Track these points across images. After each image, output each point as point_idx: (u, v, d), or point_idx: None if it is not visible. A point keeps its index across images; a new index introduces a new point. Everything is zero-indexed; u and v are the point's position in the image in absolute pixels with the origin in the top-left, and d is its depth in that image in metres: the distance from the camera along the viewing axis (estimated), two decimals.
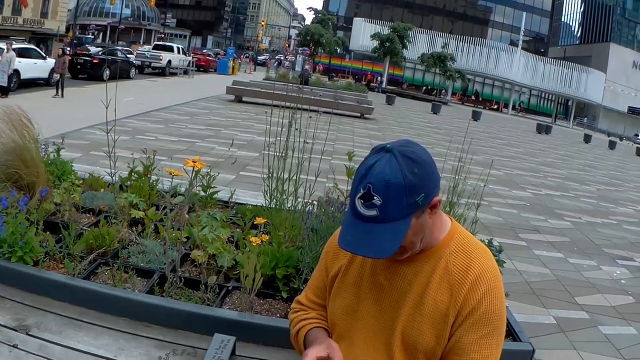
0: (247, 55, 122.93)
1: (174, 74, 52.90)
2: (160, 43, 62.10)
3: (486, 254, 2.35)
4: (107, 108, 5.92)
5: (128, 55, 49.09)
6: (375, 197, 2.07)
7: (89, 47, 46.13)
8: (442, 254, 2.32)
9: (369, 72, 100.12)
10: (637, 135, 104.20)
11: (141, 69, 50.20)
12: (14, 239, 4.48)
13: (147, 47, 65.35)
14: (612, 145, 56.66)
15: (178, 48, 57.96)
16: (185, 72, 54.49)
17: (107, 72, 38.41)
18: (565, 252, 11.52)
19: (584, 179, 24.80)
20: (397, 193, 2.06)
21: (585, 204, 18.44)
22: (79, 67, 38.28)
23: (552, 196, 18.43)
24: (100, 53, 40.99)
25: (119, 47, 55.84)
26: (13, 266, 4.39)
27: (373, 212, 2.09)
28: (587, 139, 56.99)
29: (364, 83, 76.09)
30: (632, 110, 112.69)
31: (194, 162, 4.49)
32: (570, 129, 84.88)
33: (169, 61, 53.53)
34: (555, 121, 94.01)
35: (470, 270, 2.26)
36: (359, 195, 2.12)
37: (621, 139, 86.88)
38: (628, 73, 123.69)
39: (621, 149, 59.15)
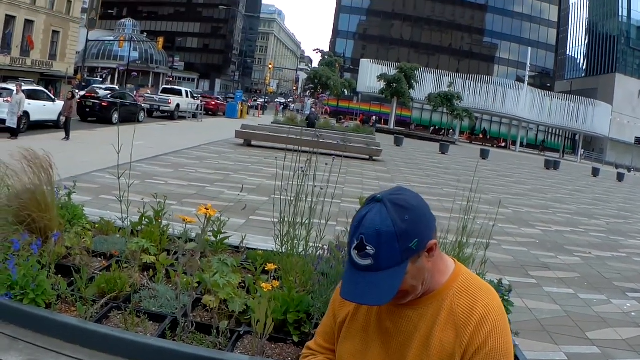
0: (256, 98, 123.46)
1: (182, 118, 53.13)
2: (169, 87, 62.28)
3: (491, 293, 2.38)
4: (118, 153, 5.97)
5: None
6: (368, 247, 2.13)
7: (98, 90, 46.48)
8: (446, 296, 2.34)
9: (362, 113, 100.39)
10: None
11: (150, 113, 50.49)
12: (26, 282, 4.54)
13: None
14: (620, 177, 56.83)
15: (186, 92, 58.15)
16: (194, 116, 54.60)
17: (116, 116, 38.53)
18: (575, 287, 11.50)
19: (593, 214, 24.76)
20: (388, 241, 2.12)
21: (595, 238, 18.39)
22: (87, 110, 38.47)
23: (562, 232, 18.38)
24: (109, 96, 41.43)
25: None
26: (25, 308, 4.44)
27: (368, 262, 2.15)
28: (595, 172, 57.10)
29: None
30: (639, 141, 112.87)
31: (206, 209, 4.54)
32: (578, 163, 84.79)
33: (178, 105, 53.73)
34: (563, 156, 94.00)
35: (475, 310, 2.28)
36: (353, 246, 2.18)
37: (629, 170, 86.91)
38: (634, 103, 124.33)
39: (629, 181, 59.23)
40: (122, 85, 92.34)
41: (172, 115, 52.36)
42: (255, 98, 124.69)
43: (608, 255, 15.72)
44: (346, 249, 2.41)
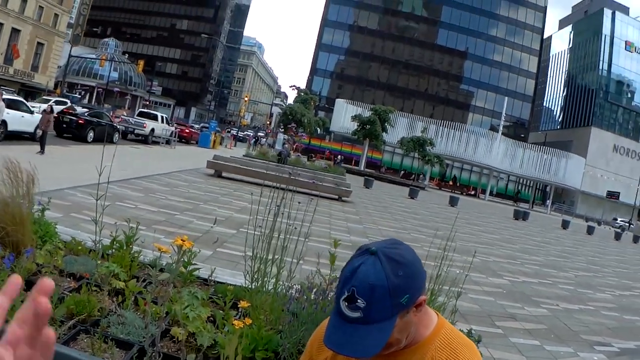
0: (229, 129, 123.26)
1: (156, 143, 53.04)
2: (145, 110, 62.00)
3: (472, 351, 2.36)
4: (100, 174, 5.92)
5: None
6: (359, 300, 2.09)
7: (75, 107, 46.33)
8: (427, 350, 2.33)
9: (329, 151, 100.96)
10: (615, 219, 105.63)
11: (124, 135, 50.53)
12: None
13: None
14: (590, 230, 57.40)
15: (162, 117, 58.12)
16: (168, 142, 54.57)
17: (91, 134, 38.61)
18: (541, 339, 11.47)
19: (561, 266, 24.81)
20: (381, 296, 2.09)
21: (563, 290, 18.40)
22: (64, 126, 38.14)
23: (530, 283, 18.37)
24: (86, 114, 41.29)
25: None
26: None
27: (357, 314, 2.11)
28: (565, 224, 57.61)
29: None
30: (610, 195, 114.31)
31: (182, 240, 4.51)
32: (548, 215, 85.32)
33: (153, 129, 53.57)
34: (532, 207, 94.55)
35: None
36: (343, 297, 2.14)
37: (599, 224, 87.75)
38: (608, 157, 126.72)
39: (599, 234, 59.77)
40: (99, 105, 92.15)
41: (145, 139, 52.20)
42: (229, 129, 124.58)
43: (576, 308, 15.75)
44: (334, 296, 2.37)
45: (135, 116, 58.37)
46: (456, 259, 6.78)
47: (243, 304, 4.96)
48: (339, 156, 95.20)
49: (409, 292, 2.14)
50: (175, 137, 58.25)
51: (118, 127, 47.33)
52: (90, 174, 6.16)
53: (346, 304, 2.12)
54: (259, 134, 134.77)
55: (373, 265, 2.12)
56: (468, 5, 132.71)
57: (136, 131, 52.76)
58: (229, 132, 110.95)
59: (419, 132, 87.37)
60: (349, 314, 2.12)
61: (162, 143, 54.24)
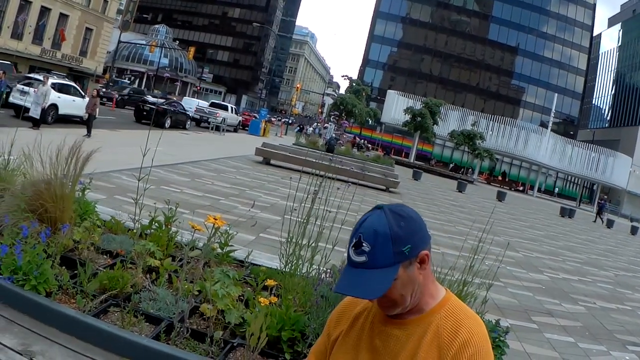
0: (280, 118, 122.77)
1: (205, 130, 53.92)
2: (216, 101, 67.82)
3: (476, 320, 2.44)
4: (144, 156, 6.06)
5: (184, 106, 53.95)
6: (364, 244, 2.28)
7: (148, 97, 53.26)
8: (433, 319, 2.43)
9: (354, 136, 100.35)
10: None
11: (198, 122, 56.83)
12: (30, 268, 4.63)
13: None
14: (634, 230, 56.48)
15: (231, 108, 64.33)
16: (217, 129, 55.19)
17: (168, 122, 43.76)
18: (576, 336, 11.37)
19: (603, 264, 24.53)
20: (383, 241, 2.27)
21: (602, 289, 18.17)
22: (145, 113, 42.94)
23: (569, 280, 18.18)
24: (163, 103, 46.65)
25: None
26: (26, 294, 4.54)
27: (362, 258, 2.29)
28: (609, 224, 57.10)
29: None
30: None
31: (215, 219, 4.59)
32: (593, 213, 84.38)
33: (224, 119, 57.17)
34: (579, 205, 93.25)
35: (459, 333, 2.35)
36: (351, 245, 2.33)
37: None
38: None
39: None
40: (149, 90, 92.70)
41: (217, 127, 55.03)
42: (280, 118, 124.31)
43: (613, 307, 15.57)
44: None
45: (207, 106, 62.67)
46: (498, 253, 6.78)
47: (270, 282, 5.05)
48: (361, 140, 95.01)
49: (410, 242, 2.32)
50: (239, 125, 65.72)
51: (190, 115, 52.51)
52: (138, 158, 6.27)
53: (354, 249, 2.32)
54: (302, 123, 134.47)
55: (378, 217, 2.34)
56: (518, 0, 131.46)
57: (210, 120, 57.03)
58: (279, 120, 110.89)
59: (470, 125, 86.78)
60: (355, 258, 2.32)
61: (211, 130, 55.11)
